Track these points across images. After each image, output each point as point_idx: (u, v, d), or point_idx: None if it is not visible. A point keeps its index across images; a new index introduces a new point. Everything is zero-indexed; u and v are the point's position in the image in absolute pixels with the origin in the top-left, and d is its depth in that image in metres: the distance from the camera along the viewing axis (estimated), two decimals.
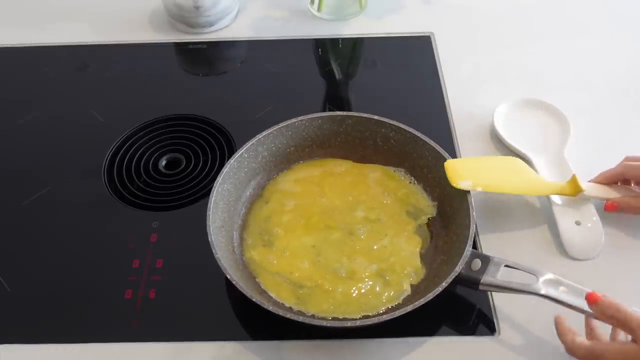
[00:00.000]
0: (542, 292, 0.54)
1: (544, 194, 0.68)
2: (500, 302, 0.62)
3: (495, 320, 0.60)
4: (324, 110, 0.84)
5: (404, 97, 0.86)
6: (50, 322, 0.62)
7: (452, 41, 0.94)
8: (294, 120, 0.71)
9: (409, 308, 0.54)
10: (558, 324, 0.55)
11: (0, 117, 0.85)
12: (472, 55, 0.92)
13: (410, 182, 0.71)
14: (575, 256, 0.65)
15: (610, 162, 0.68)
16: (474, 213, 0.61)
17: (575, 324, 0.56)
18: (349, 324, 0.55)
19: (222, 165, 0.69)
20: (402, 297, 0.61)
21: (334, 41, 0.97)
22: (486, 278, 0.57)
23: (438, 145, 0.67)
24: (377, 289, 0.61)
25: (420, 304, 0.54)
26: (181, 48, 0.96)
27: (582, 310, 0.53)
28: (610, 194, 0.67)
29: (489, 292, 0.62)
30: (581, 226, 0.66)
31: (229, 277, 0.56)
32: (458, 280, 0.57)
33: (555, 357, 0.58)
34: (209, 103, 0.85)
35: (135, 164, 0.78)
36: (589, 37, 0.94)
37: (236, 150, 0.68)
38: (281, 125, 0.70)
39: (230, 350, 0.59)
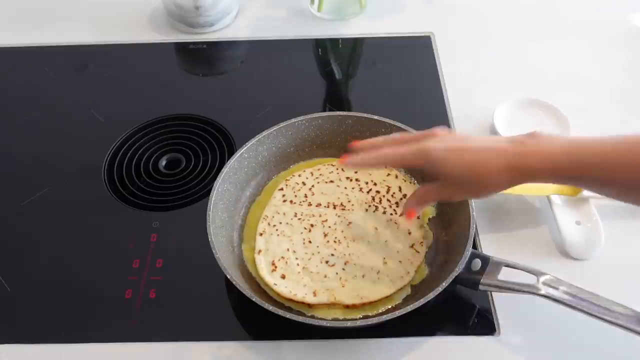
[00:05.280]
0: (542, 292, 0.54)
1: (544, 194, 0.68)
2: (500, 302, 0.62)
3: (495, 320, 0.60)
4: (324, 110, 0.84)
5: (404, 97, 0.86)
6: (50, 322, 0.62)
7: (452, 41, 0.94)
8: (294, 120, 0.71)
9: (409, 308, 0.54)
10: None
11: (0, 117, 0.85)
12: (472, 55, 0.92)
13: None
14: (575, 256, 0.65)
15: None
16: (474, 213, 0.61)
17: (575, 323, 0.56)
18: (349, 324, 0.55)
19: (222, 165, 0.69)
20: (402, 297, 0.61)
21: (334, 41, 0.96)
22: (486, 278, 0.57)
23: None
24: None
25: (420, 304, 0.54)
26: (181, 48, 0.96)
27: (582, 310, 0.53)
28: None
29: (489, 292, 0.62)
30: (581, 226, 0.66)
31: (229, 277, 0.56)
32: (458, 280, 0.57)
33: (555, 357, 0.58)
34: (209, 103, 0.85)
35: (135, 164, 0.77)
36: (589, 37, 0.94)
37: (236, 150, 0.68)
38: (281, 125, 0.71)
39: (230, 350, 0.59)
